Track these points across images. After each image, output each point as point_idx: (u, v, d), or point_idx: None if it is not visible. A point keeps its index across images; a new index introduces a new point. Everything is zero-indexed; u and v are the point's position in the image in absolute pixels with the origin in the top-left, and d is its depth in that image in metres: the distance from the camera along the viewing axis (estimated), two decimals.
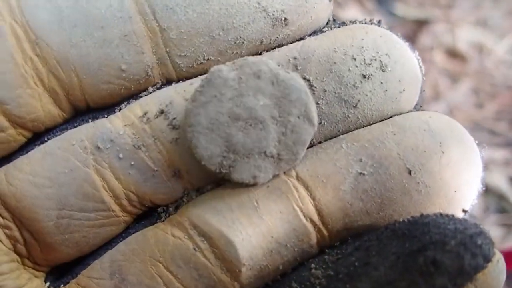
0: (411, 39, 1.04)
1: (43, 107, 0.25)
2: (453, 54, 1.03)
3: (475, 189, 0.25)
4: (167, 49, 0.24)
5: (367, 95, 0.24)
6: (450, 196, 0.24)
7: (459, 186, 0.24)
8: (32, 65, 0.24)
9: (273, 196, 0.24)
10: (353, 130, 0.25)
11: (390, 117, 0.25)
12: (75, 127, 0.25)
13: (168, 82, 0.26)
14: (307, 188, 0.24)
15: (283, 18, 0.25)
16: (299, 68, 0.25)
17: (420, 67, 0.26)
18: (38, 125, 0.25)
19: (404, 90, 0.25)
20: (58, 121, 0.26)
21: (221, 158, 0.23)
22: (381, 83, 0.24)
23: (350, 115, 0.25)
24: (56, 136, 0.25)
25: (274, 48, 0.25)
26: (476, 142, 0.25)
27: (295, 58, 0.25)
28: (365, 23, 0.26)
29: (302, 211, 0.24)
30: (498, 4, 1.09)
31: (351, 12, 1.02)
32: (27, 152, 0.25)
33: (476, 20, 1.07)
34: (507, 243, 0.84)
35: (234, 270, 0.23)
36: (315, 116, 0.23)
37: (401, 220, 0.23)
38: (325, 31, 0.26)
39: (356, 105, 0.25)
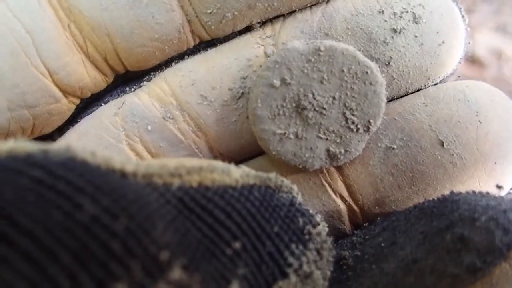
0: None
1: (88, 73, 0.25)
2: (472, 60, 1.03)
3: None
4: (193, 7, 0.23)
5: (400, 51, 0.23)
6: (489, 168, 0.23)
7: (500, 158, 0.23)
8: (70, 32, 0.24)
9: (301, 172, 0.24)
10: (390, 90, 0.24)
11: (429, 73, 0.24)
12: (105, 103, 0.26)
13: (201, 41, 0.25)
14: None
15: None
16: (322, 27, 0.24)
17: (463, 16, 0.25)
18: (86, 92, 0.25)
19: (443, 42, 0.24)
20: (102, 86, 0.26)
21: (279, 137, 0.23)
22: (416, 36, 0.23)
23: (383, 74, 0.24)
24: (88, 114, 0.26)
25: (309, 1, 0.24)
26: None
27: (319, 17, 0.24)
28: None
29: (331, 187, 0.24)
30: None
31: None
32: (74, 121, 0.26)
33: (496, 26, 1.06)
34: None
35: None
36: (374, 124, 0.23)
37: (431, 198, 0.22)
38: None
39: (389, 63, 0.24)
